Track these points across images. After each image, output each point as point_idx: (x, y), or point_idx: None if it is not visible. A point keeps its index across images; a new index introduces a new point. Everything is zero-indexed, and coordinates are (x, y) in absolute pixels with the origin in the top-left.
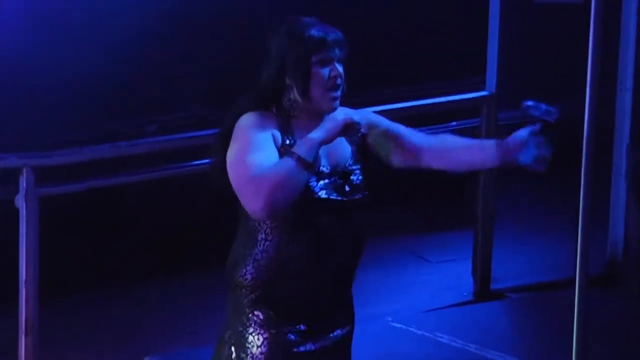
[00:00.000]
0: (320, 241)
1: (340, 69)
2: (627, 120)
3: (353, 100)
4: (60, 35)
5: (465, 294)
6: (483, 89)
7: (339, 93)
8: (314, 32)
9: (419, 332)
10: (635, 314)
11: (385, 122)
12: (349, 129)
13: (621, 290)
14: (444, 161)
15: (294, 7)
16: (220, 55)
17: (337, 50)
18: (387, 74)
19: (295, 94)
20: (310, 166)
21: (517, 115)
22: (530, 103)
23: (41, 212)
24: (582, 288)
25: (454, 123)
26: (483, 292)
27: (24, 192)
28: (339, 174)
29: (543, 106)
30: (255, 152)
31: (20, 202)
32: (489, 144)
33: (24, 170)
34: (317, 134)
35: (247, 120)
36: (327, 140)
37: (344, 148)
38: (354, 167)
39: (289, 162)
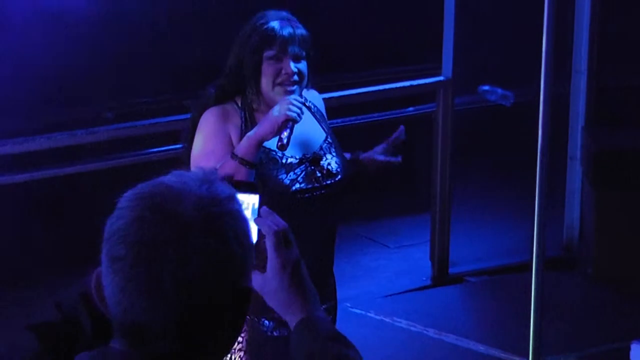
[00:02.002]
0: (297, 232)
1: (292, 66)
2: (582, 103)
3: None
4: (10, 22)
5: (423, 278)
6: (439, 74)
7: (292, 88)
8: (270, 27)
9: (378, 317)
10: (591, 296)
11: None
12: (286, 124)
13: (577, 273)
14: None
15: None
16: (178, 42)
17: (293, 47)
18: (343, 59)
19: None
20: (251, 164)
21: (474, 100)
22: (486, 88)
23: None
24: (538, 271)
25: (411, 109)
26: (441, 276)
27: None
28: (309, 161)
29: (499, 90)
30: (206, 152)
31: None
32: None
33: None
34: (253, 132)
35: (208, 116)
36: (266, 137)
37: (315, 133)
38: (325, 152)
39: (230, 162)
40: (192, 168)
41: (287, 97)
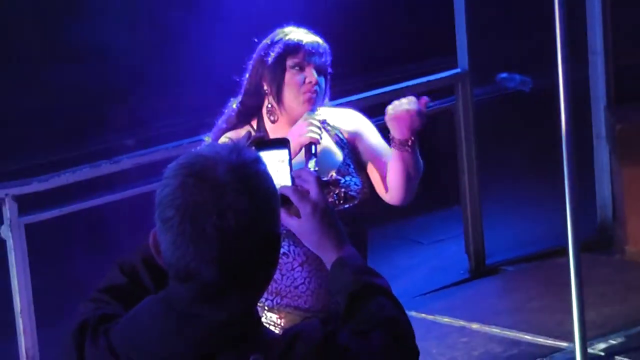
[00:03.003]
0: (311, 260)
1: (316, 75)
2: (602, 83)
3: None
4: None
5: (461, 272)
6: (454, 68)
7: (313, 99)
8: (292, 36)
9: (420, 316)
10: (630, 275)
11: (371, 140)
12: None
13: (614, 253)
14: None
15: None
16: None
17: (314, 58)
18: (357, 62)
19: (271, 99)
20: None
21: (492, 90)
22: (504, 75)
23: (27, 239)
24: (575, 254)
25: (430, 104)
26: (478, 268)
27: (9, 223)
28: (325, 185)
29: (517, 77)
30: None
31: (5, 232)
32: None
33: (6, 200)
34: None
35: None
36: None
37: (332, 157)
38: (340, 177)
39: None
40: None
41: (307, 117)
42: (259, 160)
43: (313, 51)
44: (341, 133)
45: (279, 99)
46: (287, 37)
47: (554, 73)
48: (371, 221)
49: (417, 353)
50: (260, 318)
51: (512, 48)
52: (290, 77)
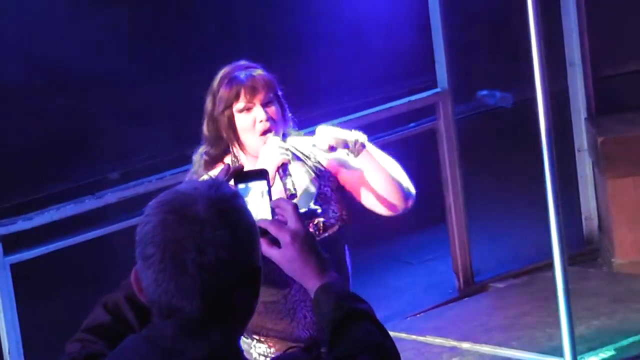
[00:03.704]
0: (293, 292)
1: (262, 112)
2: (582, 94)
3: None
4: None
5: (450, 290)
6: (434, 87)
7: (270, 131)
8: (231, 80)
9: (412, 337)
10: (619, 286)
11: (351, 163)
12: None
13: (602, 264)
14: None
15: None
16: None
17: (258, 96)
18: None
19: (233, 146)
20: None
21: (472, 107)
22: (484, 92)
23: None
24: (562, 267)
25: (412, 124)
26: (467, 286)
27: None
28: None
29: (497, 94)
30: None
31: None
32: None
33: None
34: None
35: None
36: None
37: (307, 188)
38: (316, 207)
39: None
40: None
41: (269, 141)
42: (237, 195)
43: (254, 88)
44: (318, 162)
45: (239, 143)
46: (225, 82)
47: (533, 87)
48: (359, 242)
49: None
50: (241, 350)
51: (491, 64)
52: (240, 122)
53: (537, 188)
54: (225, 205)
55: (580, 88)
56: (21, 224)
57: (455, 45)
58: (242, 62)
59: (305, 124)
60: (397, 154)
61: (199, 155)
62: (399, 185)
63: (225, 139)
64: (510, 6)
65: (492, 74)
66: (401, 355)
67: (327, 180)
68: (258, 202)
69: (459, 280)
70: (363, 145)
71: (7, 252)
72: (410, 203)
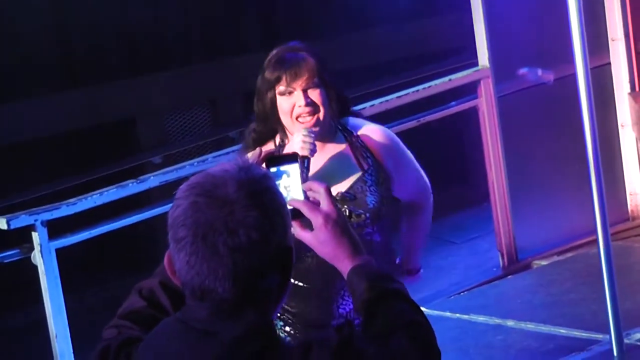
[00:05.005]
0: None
1: (302, 97)
2: (624, 69)
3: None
4: None
5: (494, 269)
6: (474, 66)
7: (310, 121)
8: (276, 62)
9: (456, 316)
10: None
11: (394, 160)
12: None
13: None
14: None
15: None
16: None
17: (301, 80)
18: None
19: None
20: None
21: (513, 85)
22: (525, 70)
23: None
24: (606, 244)
25: (453, 103)
26: (511, 264)
27: (39, 248)
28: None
29: (539, 71)
30: None
31: (37, 258)
32: None
33: (36, 226)
34: None
35: None
36: None
37: (345, 173)
38: (350, 194)
39: None
40: None
41: (299, 132)
42: (267, 176)
43: (296, 73)
44: (368, 150)
45: (282, 126)
46: (271, 63)
47: (574, 63)
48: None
49: (439, 354)
50: (276, 331)
51: (532, 41)
52: (281, 104)
53: (580, 164)
54: (255, 186)
55: (623, 63)
56: (65, 209)
57: (495, 23)
58: (294, 44)
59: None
60: (438, 133)
61: (248, 132)
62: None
63: (270, 118)
64: None
65: (533, 51)
66: (445, 334)
67: (374, 170)
68: (290, 185)
69: (502, 258)
70: None
71: (52, 237)
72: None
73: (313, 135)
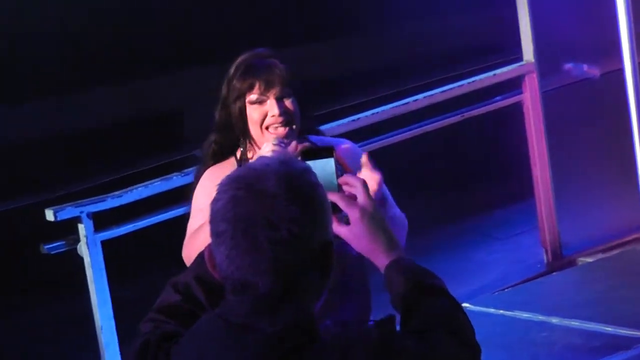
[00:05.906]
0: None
1: (275, 107)
2: None
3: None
4: None
5: (538, 265)
6: (519, 61)
7: (283, 130)
8: (247, 69)
9: (498, 312)
10: None
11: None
12: None
13: None
14: None
15: None
16: None
17: (275, 89)
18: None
19: (243, 139)
20: None
21: (558, 80)
22: (570, 65)
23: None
24: None
25: (498, 98)
26: (555, 260)
27: (85, 240)
28: None
29: (584, 66)
30: (192, 219)
31: (83, 250)
32: None
33: (82, 218)
34: None
35: (202, 181)
36: None
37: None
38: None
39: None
40: (188, 227)
41: (271, 141)
42: (308, 170)
43: (270, 81)
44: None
45: (249, 137)
46: (242, 70)
47: (620, 57)
48: (447, 218)
49: (479, 350)
50: (317, 326)
51: (578, 36)
52: (251, 113)
53: (626, 160)
54: (296, 180)
55: None
56: (111, 202)
57: (541, 17)
58: (262, 51)
59: (392, 99)
60: (483, 128)
61: (208, 144)
62: None
63: (235, 129)
64: None
65: (579, 46)
66: (489, 330)
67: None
68: (326, 179)
69: (547, 254)
70: None
71: (97, 229)
72: None
73: (283, 145)
